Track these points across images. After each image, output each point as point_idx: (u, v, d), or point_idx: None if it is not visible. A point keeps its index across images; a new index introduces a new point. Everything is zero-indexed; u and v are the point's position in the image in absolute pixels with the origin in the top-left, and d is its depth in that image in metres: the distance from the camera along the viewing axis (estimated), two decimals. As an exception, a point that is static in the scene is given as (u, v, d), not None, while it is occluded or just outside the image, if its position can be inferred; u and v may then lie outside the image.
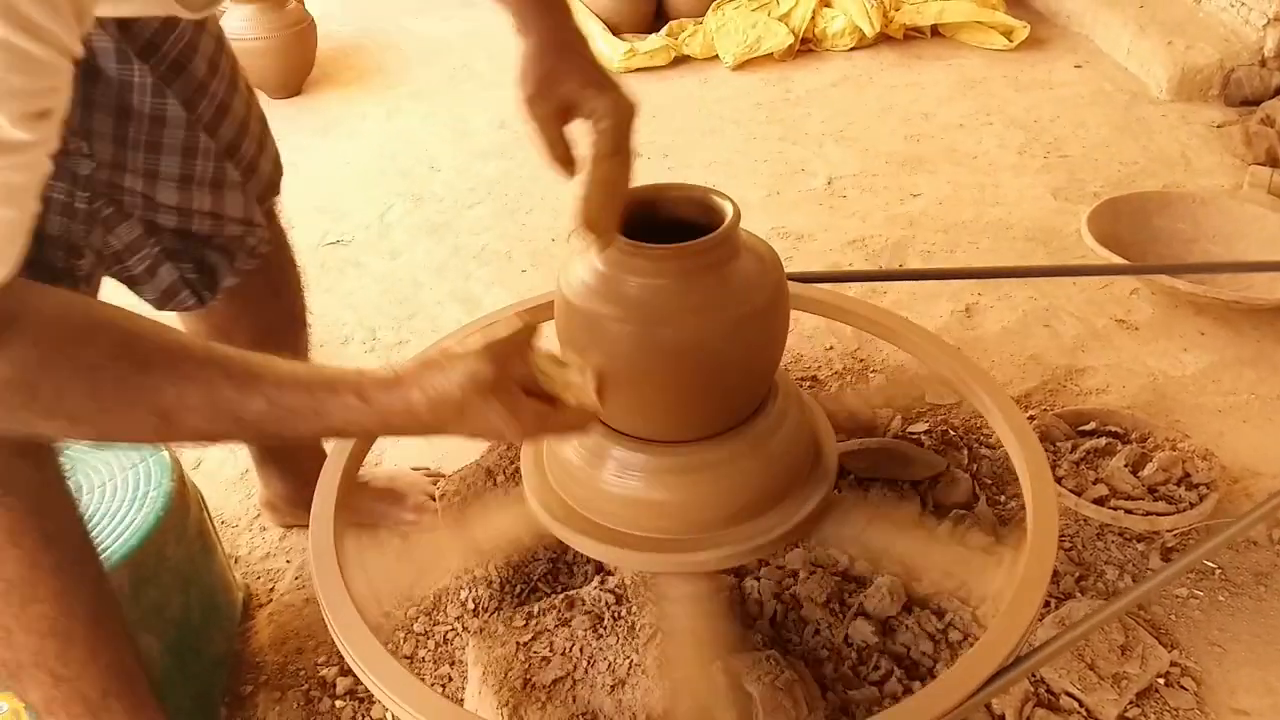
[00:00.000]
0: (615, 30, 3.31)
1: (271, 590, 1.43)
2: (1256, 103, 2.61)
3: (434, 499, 1.45)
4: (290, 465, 1.44)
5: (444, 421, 0.75)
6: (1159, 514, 1.34)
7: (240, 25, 2.96)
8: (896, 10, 3.25)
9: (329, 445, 1.43)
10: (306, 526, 1.45)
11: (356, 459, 1.18)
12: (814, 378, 1.74)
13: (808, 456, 1.13)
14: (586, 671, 1.08)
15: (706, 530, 1.05)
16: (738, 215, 0.99)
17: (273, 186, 1.23)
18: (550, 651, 1.11)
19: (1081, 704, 1.15)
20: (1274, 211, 2.04)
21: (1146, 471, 1.40)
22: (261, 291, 1.24)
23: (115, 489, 1.16)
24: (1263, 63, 2.68)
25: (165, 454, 1.21)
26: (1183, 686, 1.19)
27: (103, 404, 0.67)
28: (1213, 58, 2.73)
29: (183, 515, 1.18)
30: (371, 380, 0.74)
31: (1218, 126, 2.58)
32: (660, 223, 1.01)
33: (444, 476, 1.48)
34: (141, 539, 1.10)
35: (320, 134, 2.84)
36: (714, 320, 0.97)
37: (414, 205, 2.44)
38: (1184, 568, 1.03)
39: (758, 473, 1.06)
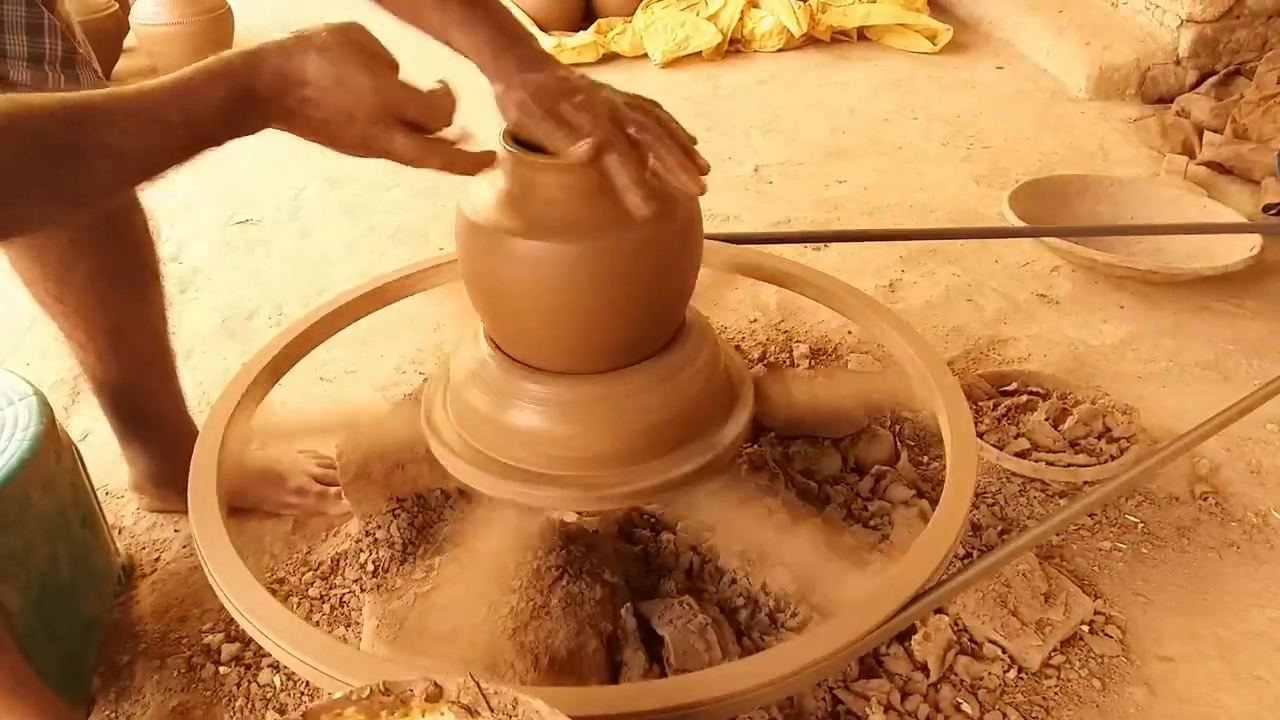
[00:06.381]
0: (543, 28, 3.29)
1: (156, 560, 1.33)
2: (1171, 100, 2.65)
3: (317, 481, 1.38)
4: (154, 442, 1.34)
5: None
6: (1080, 465, 1.32)
7: (153, 10, 2.88)
8: (823, 13, 3.28)
9: (198, 420, 1.34)
10: (177, 511, 1.37)
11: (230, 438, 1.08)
12: (737, 347, 1.70)
13: (722, 395, 1.09)
14: (487, 617, 1.01)
15: (614, 466, 1.00)
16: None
17: None
18: (450, 600, 1.04)
19: (1005, 650, 1.11)
20: (1190, 193, 2.06)
21: (1067, 425, 1.38)
22: (98, 232, 1.14)
23: (-20, 431, 1.07)
24: (1177, 62, 2.74)
25: (35, 399, 1.12)
26: (1107, 634, 1.16)
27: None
28: (1129, 58, 2.78)
29: (52, 461, 1.09)
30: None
31: (1134, 121, 2.62)
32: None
33: (328, 458, 1.40)
34: (3, 480, 1.01)
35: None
36: (623, 235, 0.92)
37: (329, 187, 2.36)
38: (1095, 501, 0.99)
39: (666, 407, 1.01)
